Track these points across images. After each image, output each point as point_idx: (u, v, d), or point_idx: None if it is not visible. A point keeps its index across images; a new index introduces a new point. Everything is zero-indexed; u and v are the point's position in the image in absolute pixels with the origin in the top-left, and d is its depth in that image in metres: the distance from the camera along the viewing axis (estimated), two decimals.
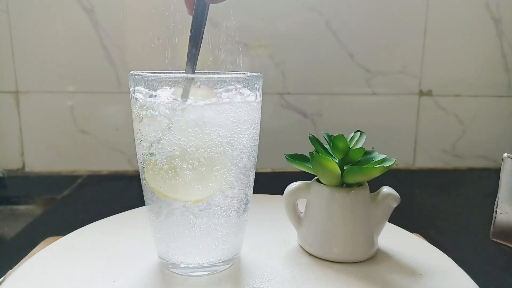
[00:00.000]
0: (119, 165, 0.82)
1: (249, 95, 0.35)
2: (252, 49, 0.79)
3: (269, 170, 0.85)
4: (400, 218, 0.46)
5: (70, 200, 0.68)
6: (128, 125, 0.80)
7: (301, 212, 0.43)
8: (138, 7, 0.77)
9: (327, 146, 0.42)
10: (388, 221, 0.42)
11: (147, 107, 0.34)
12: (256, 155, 0.38)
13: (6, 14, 0.76)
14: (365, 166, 0.38)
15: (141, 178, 0.37)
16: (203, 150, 0.34)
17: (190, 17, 0.35)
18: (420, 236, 0.46)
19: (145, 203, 0.38)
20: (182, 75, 0.34)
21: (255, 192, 0.40)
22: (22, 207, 0.69)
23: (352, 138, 0.42)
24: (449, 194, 0.74)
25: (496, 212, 0.38)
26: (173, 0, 0.72)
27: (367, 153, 0.41)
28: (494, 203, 0.38)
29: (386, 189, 0.41)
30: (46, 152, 0.81)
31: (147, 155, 0.35)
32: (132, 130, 0.36)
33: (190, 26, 0.34)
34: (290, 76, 0.82)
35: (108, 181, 0.79)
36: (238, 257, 0.40)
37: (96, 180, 0.78)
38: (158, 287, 0.35)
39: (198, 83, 0.33)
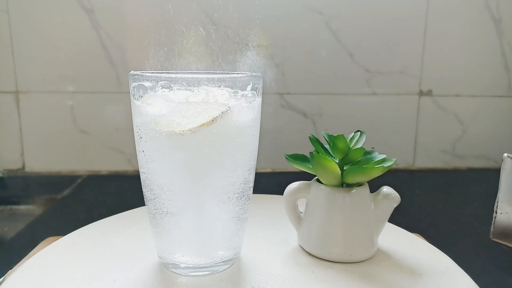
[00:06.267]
0: (119, 165, 0.82)
1: (249, 95, 0.35)
2: (252, 49, 0.79)
3: (269, 170, 0.85)
4: (400, 218, 0.46)
5: (70, 200, 0.68)
6: (128, 125, 0.80)
7: (301, 212, 0.43)
8: (138, 7, 0.77)
9: (327, 146, 0.42)
10: (388, 221, 0.42)
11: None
12: (256, 155, 0.38)
13: (6, 14, 0.76)
14: (365, 166, 0.38)
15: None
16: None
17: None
18: (420, 236, 0.46)
19: (145, 203, 0.38)
20: (182, 75, 0.34)
21: (255, 192, 0.40)
22: (22, 207, 0.69)
23: (352, 138, 0.42)
24: (449, 194, 0.74)
25: (496, 212, 0.38)
26: (173, 0, 0.72)
27: (367, 153, 0.41)
28: (494, 203, 0.38)
29: (386, 189, 0.41)
30: (46, 152, 0.81)
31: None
32: (132, 130, 0.36)
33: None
34: (290, 76, 0.82)
35: (108, 181, 0.79)
36: (238, 257, 0.40)
37: (96, 180, 0.79)
38: (158, 287, 0.35)
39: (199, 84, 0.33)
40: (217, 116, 0.33)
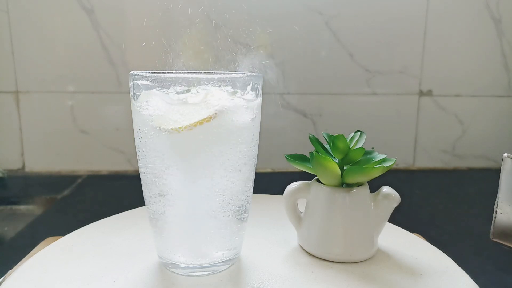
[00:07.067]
0: (119, 165, 0.82)
1: (249, 95, 0.35)
2: (252, 49, 0.79)
3: (269, 170, 0.85)
4: (400, 218, 0.46)
5: (70, 200, 0.68)
6: (128, 125, 0.80)
7: (301, 212, 0.43)
8: (138, 7, 0.77)
9: (327, 146, 0.42)
10: (388, 221, 0.42)
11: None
12: (256, 155, 0.38)
13: (6, 14, 0.76)
14: (365, 166, 0.38)
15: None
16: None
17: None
18: (420, 236, 0.46)
19: (145, 203, 0.38)
20: (182, 75, 0.34)
21: (255, 192, 0.40)
22: (22, 207, 0.69)
23: (352, 138, 0.42)
24: (449, 194, 0.74)
25: (496, 212, 0.38)
26: (173, 0, 0.72)
27: (367, 153, 0.41)
28: (494, 203, 0.38)
29: (386, 189, 0.41)
30: (46, 152, 0.81)
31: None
32: (132, 130, 0.36)
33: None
34: (290, 76, 0.82)
35: (108, 181, 0.79)
36: (238, 257, 0.40)
37: (96, 180, 0.79)
38: (158, 287, 0.35)
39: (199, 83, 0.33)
40: (213, 114, 0.33)
